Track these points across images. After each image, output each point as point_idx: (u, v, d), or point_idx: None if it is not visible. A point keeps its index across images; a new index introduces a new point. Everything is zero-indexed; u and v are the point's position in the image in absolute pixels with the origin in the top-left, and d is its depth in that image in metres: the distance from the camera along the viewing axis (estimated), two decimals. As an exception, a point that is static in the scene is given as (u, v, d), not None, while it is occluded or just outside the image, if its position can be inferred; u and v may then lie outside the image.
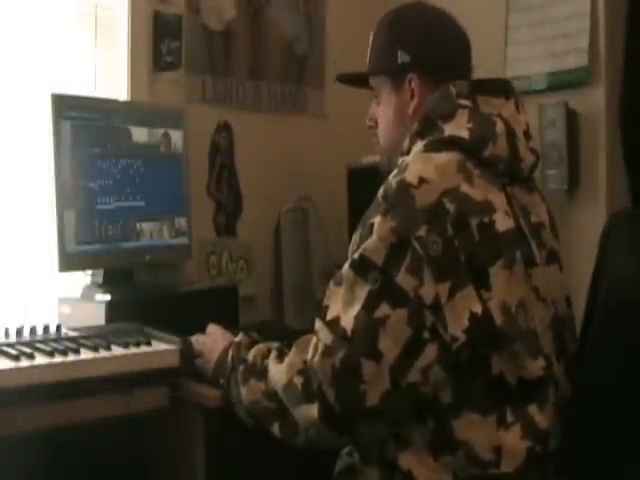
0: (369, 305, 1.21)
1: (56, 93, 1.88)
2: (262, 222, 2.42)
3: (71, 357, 1.45)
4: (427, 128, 1.35)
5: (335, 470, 1.42)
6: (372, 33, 1.51)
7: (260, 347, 1.43)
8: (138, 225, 2.02)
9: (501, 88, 1.38)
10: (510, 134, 1.32)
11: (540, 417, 1.23)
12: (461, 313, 1.19)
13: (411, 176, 1.25)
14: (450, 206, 1.22)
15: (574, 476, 1.24)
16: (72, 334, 1.60)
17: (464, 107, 1.33)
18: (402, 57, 1.43)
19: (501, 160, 1.30)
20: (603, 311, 1.30)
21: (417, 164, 1.28)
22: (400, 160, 1.37)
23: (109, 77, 2.17)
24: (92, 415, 1.48)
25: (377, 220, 1.25)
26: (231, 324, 2.04)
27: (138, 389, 1.53)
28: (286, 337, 2.01)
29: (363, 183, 2.33)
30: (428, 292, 1.19)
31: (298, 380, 1.26)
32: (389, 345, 1.19)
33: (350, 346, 1.21)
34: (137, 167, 2.02)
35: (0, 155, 1.98)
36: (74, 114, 1.89)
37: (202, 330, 1.69)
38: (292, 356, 1.32)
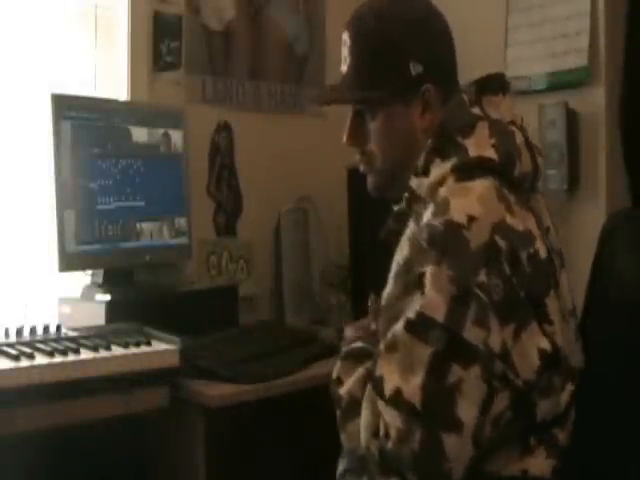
0: (437, 370, 1.08)
1: (56, 93, 1.88)
2: (262, 222, 2.42)
3: (71, 357, 1.45)
4: (446, 145, 1.22)
5: (337, 470, 1.42)
6: (353, 45, 1.32)
7: (353, 381, 1.23)
8: (138, 225, 2.02)
9: (499, 84, 1.31)
10: (527, 143, 1.25)
11: (563, 437, 1.20)
12: (530, 353, 1.12)
13: (458, 215, 1.12)
14: (502, 243, 1.12)
15: (574, 476, 1.24)
16: (72, 334, 1.61)
17: (482, 119, 1.24)
18: (415, 68, 1.27)
19: (528, 177, 1.23)
20: (602, 310, 1.30)
21: (459, 199, 1.15)
22: (415, 180, 1.24)
23: (109, 77, 2.17)
24: (92, 415, 1.48)
25: (429, 270, 1.10)
26: (231, 324, 2.06)
27: (138, 389, 1.53)
28: (286, 337, 2.03)
29: (363, 183, 2.33)
30: (495, 340, 1.09)
31: (374, 447, 1.13)
32: (467, 409, 1.07)
33: (425, 423, 1.07)
34: (137, 167, 2.02)
35: (0, 155, 1.98)
36: (74, 114, 1.89)
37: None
38: (366, 415, 1.15)
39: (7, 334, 1.55)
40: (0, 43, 1.98)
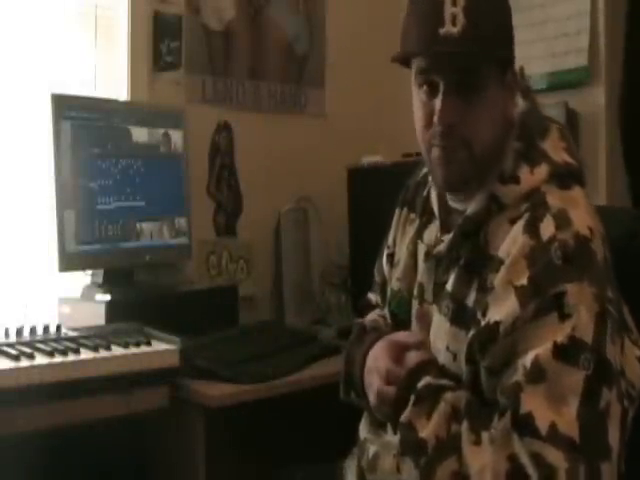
0: (590, 396, 1.00)
1: (56, 93, 1.88)
2: (262, 222, 2.42)
3: (71, 357, 1.45)
4: (531, 150, 1.16)
5: (344, 466, 1.40)
6: (471, 3, 1.13)
7: (436, 421, 1.10)
8: (138, 225, 2.02)
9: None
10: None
11: None
12: (633, 362, 1.10)
13: (581, 227, 1.07)
14: (608, 255, 1.09)
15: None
16: (72, 334, 1.60)
17: (553, 121, 1.21)
18: (513, 43, 1.20)
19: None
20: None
21: (574, 210, 1.09)
22: (503, 188, 1.15)
23: (109, 77, 2.17)
24: (92, 415, 1.48)
25: (571, 289, 1.03)
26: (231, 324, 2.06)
27: (138, 389, 1.53)
28: (286, 337, 2.03)
29: (363, 183, 2.34)
30: (618, 356, 1.05)
31: None
32: (614, 434, 1.01)
33: (586, 456, 0.98)
34: (137, 167, 2.02)
35: (0, 155, 1.98)
36: (74, 114, 1.89)
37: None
38: (493, 459, 1.02)
39: (7, 334, 1.55)
40: (0, 43, 1.98)
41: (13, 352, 1.43)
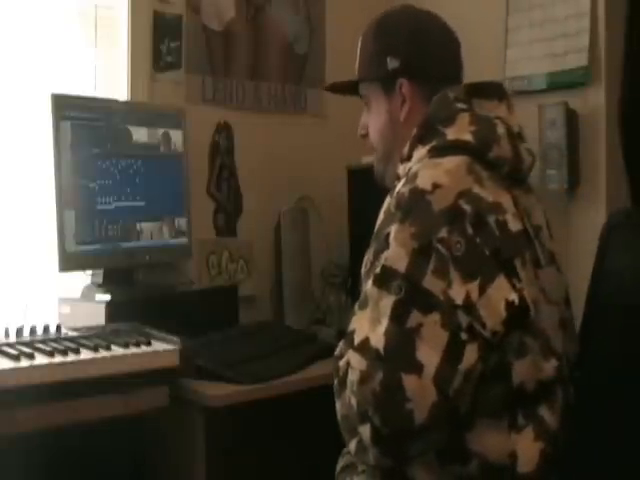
0: (398, 316, 1.15)
1: (56, 93, 1.88)
2: (262, 222, 2.42)
3: (71, 357, 1.45)
4: (428, 133, 1.33)
5: (337, 468, 1.42)
6: (360, 40, 1.50)
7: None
8: (138, 225, 2.02)
9: (495, 91, 1.39)
10: (510, 135, 1.32)
11: (550, 418, 1.22)
12: (496, 305, 1.17)
13: (423, 183, 1.22)
14: (467, 207, 1.20)
15: (574, 476, 1.24)
16: (72, 334, 1.60)
17: (464, 110, 1.33)
18: (391, 63, 1.43)
19: (506, 161, 1.29)
20: (603, 311, 1.30)
21: (427, 170, 1.25)
22: (401, 167, 1.36)
23: (109, 77, 2.17)
24: (92, 415, 1.48)
25: (394, 229, 1.20)
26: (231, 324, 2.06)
27: (138, 389, 1.53)
28: (286, 337, 2.03)
29: (363, 183, 2.33)
30: (458, 292, 1.15)
31: (353, 401, 1.18)
32: (428, 353, 1.13)
33: (387, 365, 1.13)
34: (137, 167, 2.02)
35: (0, 155, 1.98)
36: (74, 114, 1.89)
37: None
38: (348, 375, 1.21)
39: (7, 334, 1.55)
40: (0, 43, 1.98)
41: (13, 352, 1.42)
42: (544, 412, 1.22)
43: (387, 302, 1.17)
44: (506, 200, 1.25)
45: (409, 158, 1.35)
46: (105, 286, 1.94)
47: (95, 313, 1.80)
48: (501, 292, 1.18)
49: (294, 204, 2.44)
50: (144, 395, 1.55)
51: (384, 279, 1.19)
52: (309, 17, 2.60)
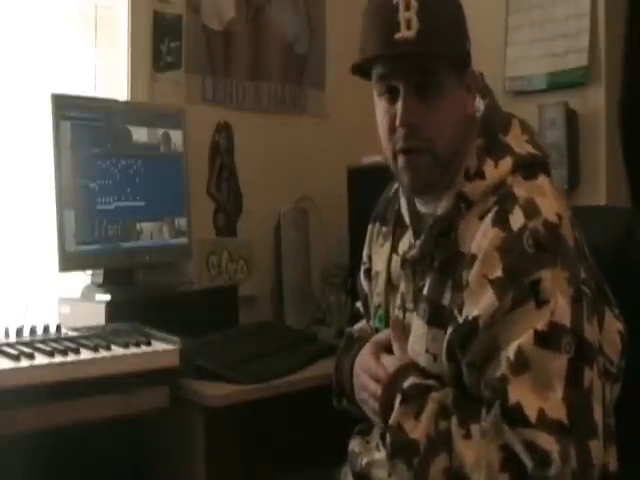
0: (574, 378, 1.02)
1: (56, 93, 1.88)
2: (262, 222, 2.42)
3: (71, 357, 1.45)
4: (493, 145, 1.17)
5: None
6: (424, 6, 1.14)
7: (426, 422, 1.10)
8: (138, 225, 2.02)
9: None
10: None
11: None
12: (614, 339, 1.12)
13: (549, 214, 1.08)
14: (578, 235, 1.13)
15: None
16: (72, 334, 1.61)
17: (514, 116, 1.22)
18: (468, 43, 1.20)
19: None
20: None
21: (542, 198, 1.10)
22: (469, 185, 1.15)
23: (109, 77, 2.17)
24: (92, 415, 1.48)
25: (545, 276, 1.04)
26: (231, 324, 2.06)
27: (138, 389, 1.53)
28: (286, 337, 2.03)
29: (363, 183, 2.33)
30: (596, 334, 1.08)
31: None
32: (598, 411, 1.03)
33: (576, 437, 1.00)
34: (137, 167, 2.02)
35: (0, 155, 1.98)
36: (74, 114, 1.89)
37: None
38: (487, 452, 1.03)
39: (7, 334, 1.55)
40: (0, 43, 1.98)
41: (13, 352, 1.42)
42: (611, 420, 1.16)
43: (559, 363, 1.02)
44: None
45: (481, 175, 1.15)
46: (105, 286, 1.94)
47: (95, 313, 1.80)
48: (613, 324, 1.13)
49: (294, 204, 2.44)
50: (144, 395, 1.55)
51: (553, 337, 1.02)
52: (309, 17, 2.60)
